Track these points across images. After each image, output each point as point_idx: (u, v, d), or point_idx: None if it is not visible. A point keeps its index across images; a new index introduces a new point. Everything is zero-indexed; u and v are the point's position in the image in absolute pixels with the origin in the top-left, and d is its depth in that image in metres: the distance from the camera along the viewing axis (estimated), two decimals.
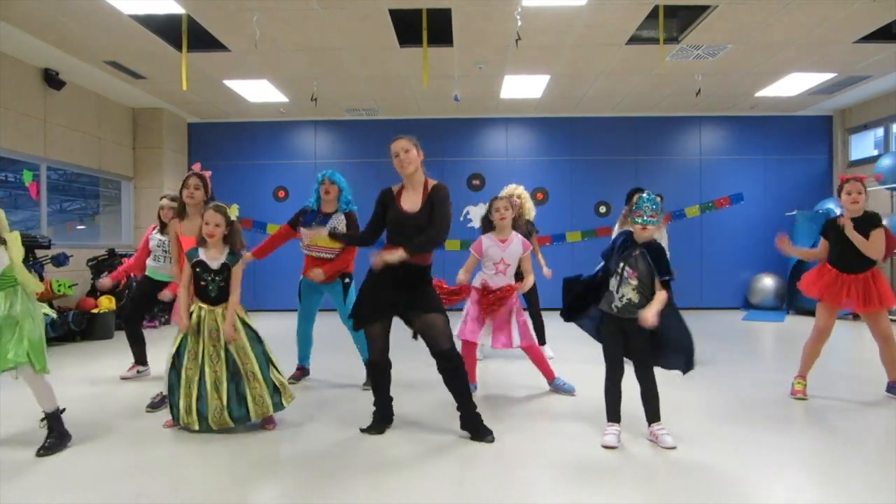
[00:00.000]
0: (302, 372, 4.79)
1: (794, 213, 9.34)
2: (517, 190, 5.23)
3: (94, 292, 7.46)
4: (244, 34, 6.14)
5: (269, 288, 9.65)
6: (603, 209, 9.89)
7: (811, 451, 3.11)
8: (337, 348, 5.68)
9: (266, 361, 3.50)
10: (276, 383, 3.49)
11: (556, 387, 4.29)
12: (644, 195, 3.19)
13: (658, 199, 3.29)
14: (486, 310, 4.13)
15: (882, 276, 4.01)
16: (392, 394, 3.49)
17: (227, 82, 7.95)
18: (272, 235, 4.55)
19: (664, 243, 5.27)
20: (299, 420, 3.67)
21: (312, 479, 2.78)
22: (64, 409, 3.28)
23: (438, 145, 9.79)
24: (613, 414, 3.27)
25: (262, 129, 10.05)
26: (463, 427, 3.34)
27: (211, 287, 3.42)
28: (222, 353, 3.39)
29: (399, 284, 3.27)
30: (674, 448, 3.10)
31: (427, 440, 3.28)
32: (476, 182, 9.88)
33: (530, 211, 5.28)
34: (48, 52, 6.65)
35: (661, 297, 3.10)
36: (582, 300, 3.41)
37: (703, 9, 5.79)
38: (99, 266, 7.57)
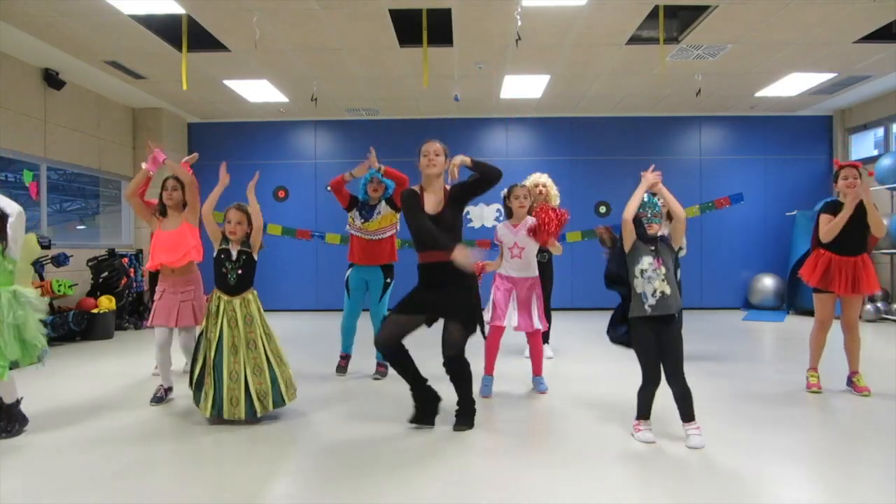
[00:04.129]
0: (346, 360, 4.98)
1: (794, 213, 9.34)
2: (542, 178, 5.32)
3: (95, 292, 7.47)
4: (244, 34, 6.14)
5: (276, 289, 9.64)
6: (603, 209, 9.89)
7: (814, 450, 3.11)
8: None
9: (273, 358, 3.61)
10: (282, 380, 3.60)
11: (536, 382, 4.41)
12: (645, 197, 3.34)
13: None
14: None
15: (871, 263, 4.12)
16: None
17: (227, 82, 7.95)
18: (340, 179, 4.76)
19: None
20: (310, 411, 3.69)
21: (318, 475, 2.78)
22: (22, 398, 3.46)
23: None
24: (646, 411, 3.29)
25: (262, 129, 10.05)
26: (457, 414, 3.47)
27: (230, 276, 3.60)
28: (240, 345, 3.52)
29: (444, 284, 3.37)
30: (700, 448, 3.09)
31: (439, 432, 3.30)
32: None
33: (555, 198, 5.36)
34: (48, 52, 6.65)
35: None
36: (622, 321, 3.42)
37: (703, 9, 5.79)
38: (99, 266, 7.58)
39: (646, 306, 3.18)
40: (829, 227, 4.04)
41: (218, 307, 3.57)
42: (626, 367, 5.02)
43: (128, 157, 9.09)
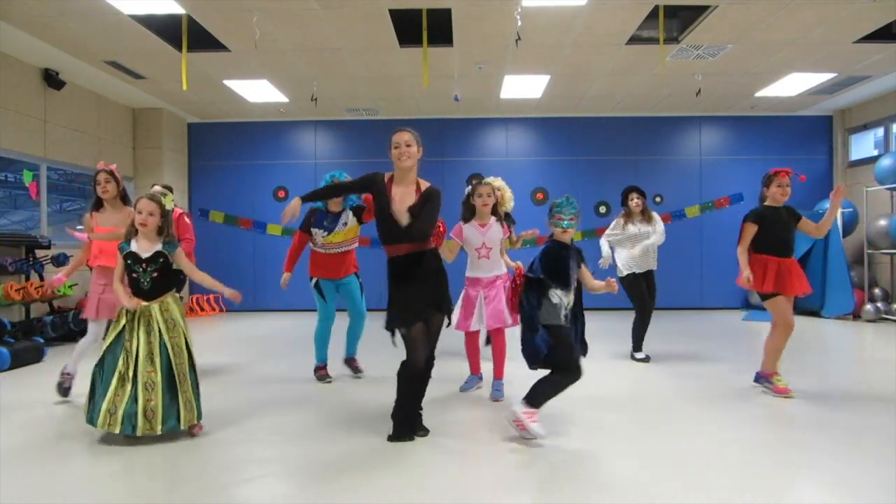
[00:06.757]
0: (325, 368, 4.73)
1: None
2: (496, 182, 5.16)
3: None
4: (244, 34, 6.14)
5: (269, 288, 9.64)
6: (603, 209, 9.88)
7: (814, 450, 3.11)
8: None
9: (192, 365, 3.36)
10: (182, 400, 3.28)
11: (496, 385, 4.16)
12: (563, 199, 3.30)
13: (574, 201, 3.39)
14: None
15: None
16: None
17: (227, 82, 7.95)
18: (292, 248, 4.64)
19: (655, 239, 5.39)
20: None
21: (295, 481, 2.78)
22: None
23: (438, 145, 9.78)
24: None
25: (262, 129, 10.05)
26: (393, 418, 3.29)
27: (143, 280, 3.27)
28: (157, 352, 3.21)
29: (424, 277, 3.23)
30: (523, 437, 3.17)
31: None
32: (476, 182, 9.86)
33: (509, 202, 5.16)
34: (48, 52, 6.65)
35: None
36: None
37: (703, 9, 5.79)
38: None
39: (563, 316, 3.21)
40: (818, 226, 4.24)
41: (134, 313, 3.24)
42: (613, 368, 5.05)
43: (128, 157, 9.09)
